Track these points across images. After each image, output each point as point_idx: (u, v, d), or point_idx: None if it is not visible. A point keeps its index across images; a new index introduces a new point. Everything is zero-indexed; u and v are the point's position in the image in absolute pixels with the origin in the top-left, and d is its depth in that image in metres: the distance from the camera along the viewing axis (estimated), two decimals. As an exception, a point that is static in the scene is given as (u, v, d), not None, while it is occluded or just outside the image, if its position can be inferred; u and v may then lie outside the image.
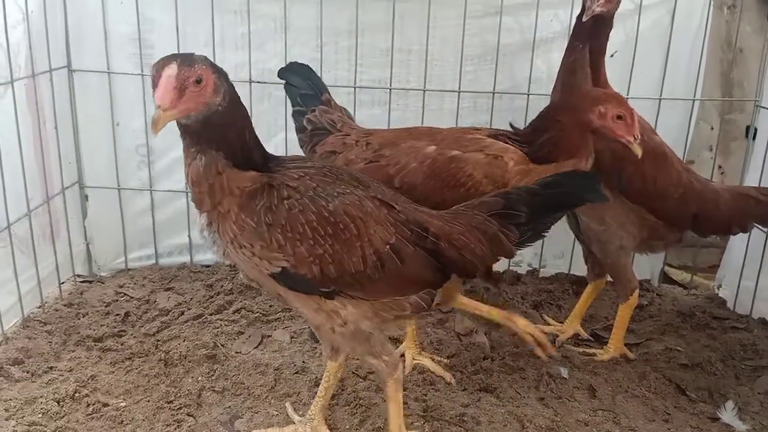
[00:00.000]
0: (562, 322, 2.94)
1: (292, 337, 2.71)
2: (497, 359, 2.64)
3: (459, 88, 3.07)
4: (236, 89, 1.74)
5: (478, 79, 3.10)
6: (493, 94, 3.07)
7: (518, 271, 3.39)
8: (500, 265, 3.38)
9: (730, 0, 3.66)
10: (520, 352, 2.69)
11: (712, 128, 3.67)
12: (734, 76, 3.70)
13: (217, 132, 1.68)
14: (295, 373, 2.43)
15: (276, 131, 3.12)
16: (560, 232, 3.17)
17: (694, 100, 3.15)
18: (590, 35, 2.51)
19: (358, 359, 2.52)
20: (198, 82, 1.61)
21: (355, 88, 3.05)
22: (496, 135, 2.27)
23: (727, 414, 2.32)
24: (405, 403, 2.28)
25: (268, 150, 3.04)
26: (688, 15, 3.07)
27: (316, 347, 2.61)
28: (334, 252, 1.73)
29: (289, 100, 2.54)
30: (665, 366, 2.64)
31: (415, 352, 2.59)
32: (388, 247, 1.79)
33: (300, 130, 2.46)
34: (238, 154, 1.72)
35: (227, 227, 1.74)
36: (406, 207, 1.90)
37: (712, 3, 3.09)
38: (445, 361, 2.59)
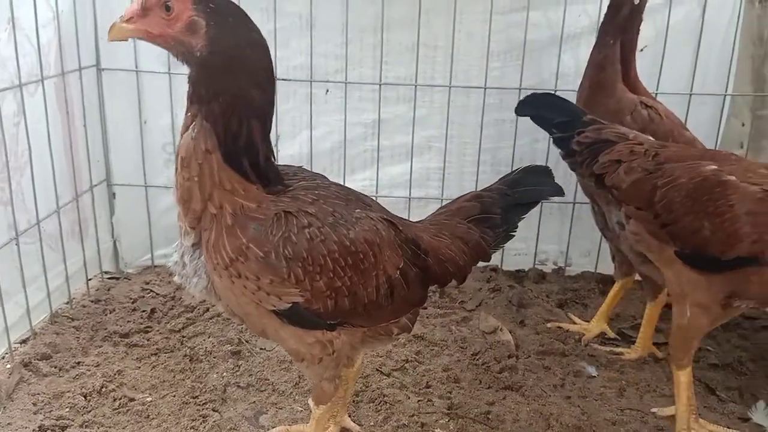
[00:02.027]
0: (588, 321, 2.90)
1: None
2: (523, 357, 2.61)
3: (485, 85, 3.04)
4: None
5: (505, 76, 3.07)
6: (520, 90, 3.03)
7: (543, 270, 3.35)
8: (525, 264, 3.35)
9: (762, -7, 3.59)
10: (546, 350, 2.67)
11: (743, 124, 3.58)
12: (766, 72, 3.62)
13: (202, 92, 1.46)
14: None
15: (301, 129, 3.11)
16: (586, 229, 3.15)
17: (725, 96, 3.08)
18: (622, 30, 2.48)
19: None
20: (167, 9, 1.43)
21: (380, 84, 3.04)
22: None
23: (758, 414, 2.27)
24: (429, 400, 2.28)
25: (293, 147, 3.14)
26: (719, 9, 3.02)
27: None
28: (352, 284, 1.60)
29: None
30: (695, 366, 2.56)
31: (691, 418, 2.18)
32: (398, 272, 1.69)
33: (569, 155, 2.42)
34: (221, 139, 1.47)
35: (221, 243, 1.51)
36: (402, 223, 1.82)
37: (743, -2, 3.04)
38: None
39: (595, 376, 2.51)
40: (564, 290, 3.20)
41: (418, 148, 3.16)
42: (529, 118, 2.57)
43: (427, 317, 2.90)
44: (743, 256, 1.88)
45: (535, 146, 3.16)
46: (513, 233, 2.05)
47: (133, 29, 1.45)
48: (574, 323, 2.92)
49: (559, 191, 2.09)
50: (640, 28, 2.62)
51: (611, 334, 2.84)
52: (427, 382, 2.38)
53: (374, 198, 3.14)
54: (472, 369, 2.50)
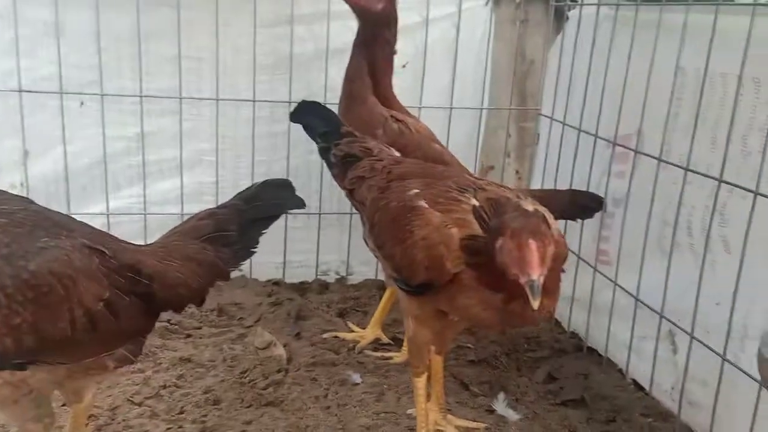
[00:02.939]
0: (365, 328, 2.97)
1: (68, 366, 2.50)
2: (292, 371, 2.60)
3: (254, 98, 3.02)
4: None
5: (274, 89, 3.07)
6: (289, 103, 3.04)
7: (327, 280, 3.39)
8: (308, 275, 3.37)
9: (522, 15, 3.93)
10: (317, 361, 2.68)
11: (510, 136, 3.90)
12: (528, 87, 3.97)
13: None
14: (63, 405, 2.24)
15: (54, 144, 2.88)
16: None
17: (481, 109, 3.33)
18: (366, 43, 2.58)
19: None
20: None
21: (141, 97, 2.90)
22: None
23: (500, 405, 2.44)
24: (181, 427, 2.19)
25: (45, 164, 2.89)
26: (472, 29, 3.25)
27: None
28: (36, 320, 1.46)
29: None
30: (454, 364, 2.74)
31: (439, 416, 2.32)
32: (101, 303, 1.57)
33: (330, 166, 2.41)
34: None
35: None
36: (117, 248, 1.70)
37: (493, 17, 3.30)
38: (480, 425, 2.35)
39: (359, 383, 2.56)
40: (345, 299, 3.26)
41: (189, 162, 3.06)
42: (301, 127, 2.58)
43: (200, 337, 2.82)
44: (424, 283, 1.87)
45: (310, 158, 3.18)
46: (254, 249, 2.01)
47: None
48: (352, 331, 2.98)
49: (300, 204, 2.09)
50: (394, 43, 2.71)
51: (385, 340, 2.93)
52: (182, 408, 2.29)
53: (144, 215, 3.03)
54: (236, 388, 2.45)
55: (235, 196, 2.02)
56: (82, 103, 2.87)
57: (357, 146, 2.37)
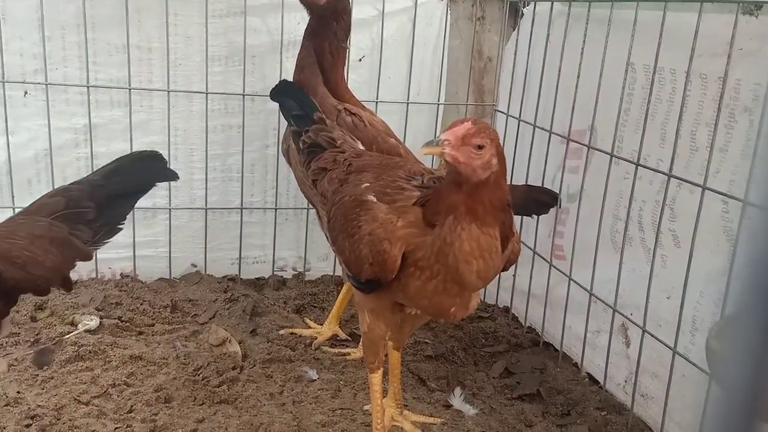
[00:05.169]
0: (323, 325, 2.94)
1: (10, 366, 2.41)
2: (247, 368, 2.56)
3: (206, 90, 2.95)
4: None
5: (228, 81, 3.00)
6: (243, 96, 2.99)
7: (284, 276, 3.34)
8: (265, 271, 3.31)
9: (480, 12, 3.95)
10: (272, 358, 2.64)
11: (468, 131, 3.91)
12: (485, 83, 3.99)
13: None
14: (5, 405, 2.16)
15: (-4, 135, 2.77)
16: (322, 233, 3.19)
17: (438, 105, 3.32)
18: (314, 34, 2.55)
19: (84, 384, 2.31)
20: None
21: (88, 87, 2.80)
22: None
23: (456, 400, 2.44)
24: (129, 426, 2.13)
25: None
26: (429, 23, 3.24)
27: (37, 375, 2.35)
28: None
29: None
30: (411, 359, 2.74)
31: (395, 412, 2.32)
32: None
33: (299, 151, 2.36)
34: None
35: None
36: None
37: (449, 12, 3.30)
38: (437, 420, 2.34)
39: (315, 380, 2.53)
40: (302, 295, 3.22)
41: (140, 155, 2.97)
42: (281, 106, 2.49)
43: (152, 335, 2.74)
44: (370, 279, 1.84)
45: (266, 152, 3.14)
46: (121, 225, 1.89)
47: None
48: (309, 328, 2.94)
49: (172, 176, 1.98)
50: (342, 36, 2.66)
51: (343, 336, 2.90)
52: (132, 406, 2.22)
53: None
54: (189, 386, 2.39)
55: (95, 171, 1.91)
56: (26, 93, 2.76)
57: (322, 136, 2.31)
